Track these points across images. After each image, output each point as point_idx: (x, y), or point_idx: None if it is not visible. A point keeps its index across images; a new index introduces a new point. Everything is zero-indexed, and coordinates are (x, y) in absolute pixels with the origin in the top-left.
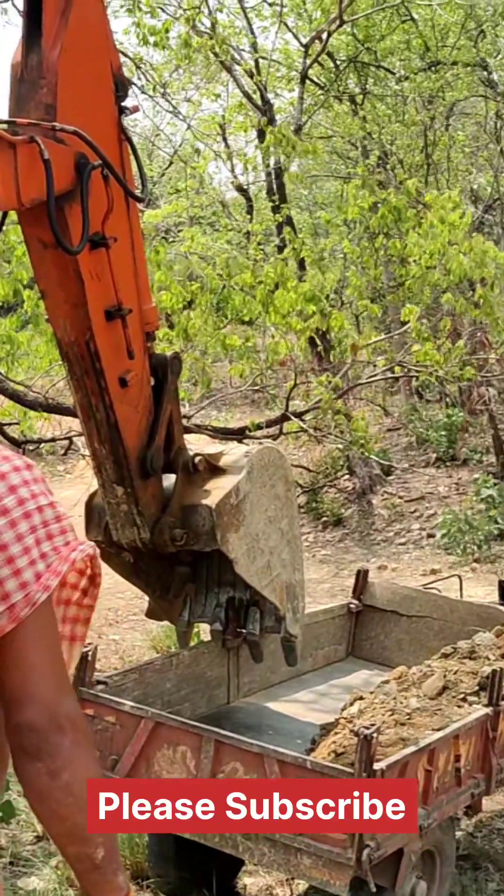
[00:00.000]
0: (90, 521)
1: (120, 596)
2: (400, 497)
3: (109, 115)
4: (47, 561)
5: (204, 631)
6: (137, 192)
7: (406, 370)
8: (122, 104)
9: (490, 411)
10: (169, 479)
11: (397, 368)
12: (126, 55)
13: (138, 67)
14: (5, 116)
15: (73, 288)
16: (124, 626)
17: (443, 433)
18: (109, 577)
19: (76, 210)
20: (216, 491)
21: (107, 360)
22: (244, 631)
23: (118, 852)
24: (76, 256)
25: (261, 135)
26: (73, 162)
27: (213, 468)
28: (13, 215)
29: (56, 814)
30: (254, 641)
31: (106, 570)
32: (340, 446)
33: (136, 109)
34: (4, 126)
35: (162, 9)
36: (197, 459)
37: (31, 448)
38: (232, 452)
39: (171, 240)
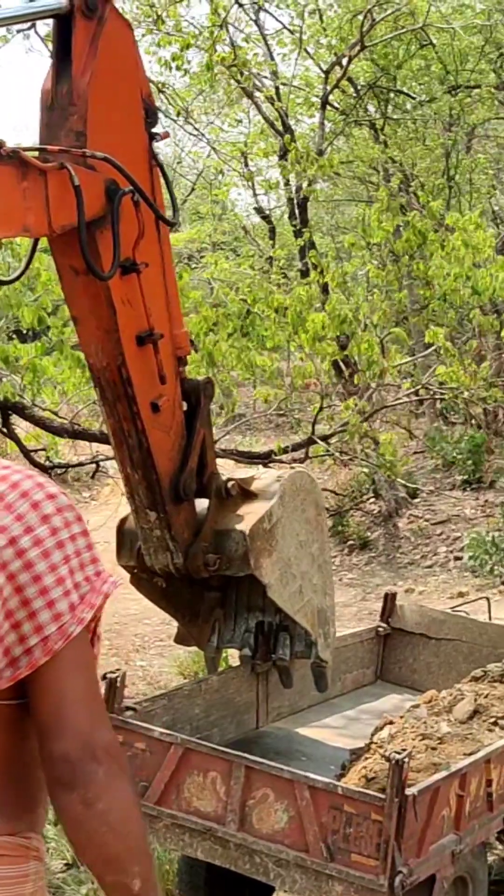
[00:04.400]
0: (122, 546)
1: (147, 622)
2: (426, 520)
3: (140, 142)
4: (80, 591)
5: (232, 656)
6: (168, 217)
7: (432, 392)
8: (153, 130)
9: None
10: (201, 504)
11: (423, 390)
12: (149, 80)
13: (161, 92)
14: (36, 143)
15: (104, 314)
16: (151, 653)
17: (468, 455)
18: (136, 603)
19: (107, 236)
20: (249, 516)
21: (139, 385)
22: (274, 656)
23: (156, 881)
24: (108, 282)
25: (283, 156)
26: (104, 188)
27: (246, 493)
28: (42, 242)
29: (91, 843)
30: (283, 666)
31: (133, 595)
32: (366, 470)
33: (166, 135)
34: (35, 153)
35: (177, 33)
36: (229, 484)
37: (58, 473)
38: (264, 477)
39: (193, 265)
